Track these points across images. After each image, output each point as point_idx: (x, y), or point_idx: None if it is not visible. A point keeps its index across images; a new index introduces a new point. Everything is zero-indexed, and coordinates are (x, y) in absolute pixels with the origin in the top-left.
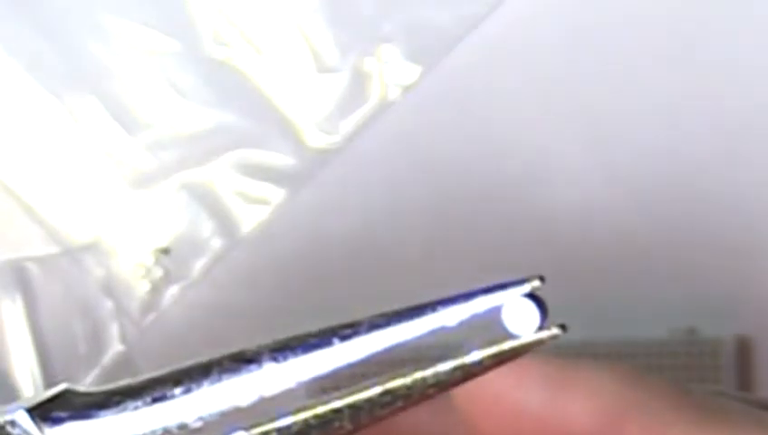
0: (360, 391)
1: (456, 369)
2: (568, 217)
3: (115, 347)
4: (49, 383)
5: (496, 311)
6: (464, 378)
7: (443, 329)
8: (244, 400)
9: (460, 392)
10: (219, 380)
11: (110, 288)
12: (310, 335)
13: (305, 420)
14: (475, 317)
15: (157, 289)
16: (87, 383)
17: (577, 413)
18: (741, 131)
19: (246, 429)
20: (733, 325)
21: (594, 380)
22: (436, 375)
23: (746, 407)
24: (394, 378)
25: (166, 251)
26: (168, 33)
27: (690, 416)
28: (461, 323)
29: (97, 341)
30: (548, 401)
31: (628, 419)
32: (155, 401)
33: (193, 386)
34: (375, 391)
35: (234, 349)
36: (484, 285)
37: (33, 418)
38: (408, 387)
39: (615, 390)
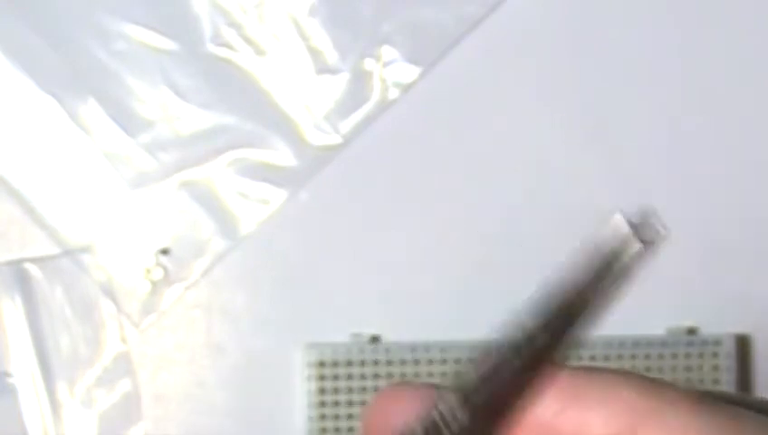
0: None
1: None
2: (567, 214)
3: (115, 347)
4: (49, 383)
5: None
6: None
7: None
8: None
9: None
10: None
11: (109, 289)
12: None
13: None
14: None
15: (157, 290)
16: (87, 383)
17: (591, 422)
18: (745, 133)
19: None
20: (733, 325)
21: (608, 388)
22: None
23: (760, 416)
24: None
25: (166, 251)
26: (167, 33)
27: (704, 425)
28: None
29: (97, 341)
30: (562, 409)
31: (643, 428)
32: None
33: None
34: None
35: None
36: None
37: None
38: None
39: (629, 398)
